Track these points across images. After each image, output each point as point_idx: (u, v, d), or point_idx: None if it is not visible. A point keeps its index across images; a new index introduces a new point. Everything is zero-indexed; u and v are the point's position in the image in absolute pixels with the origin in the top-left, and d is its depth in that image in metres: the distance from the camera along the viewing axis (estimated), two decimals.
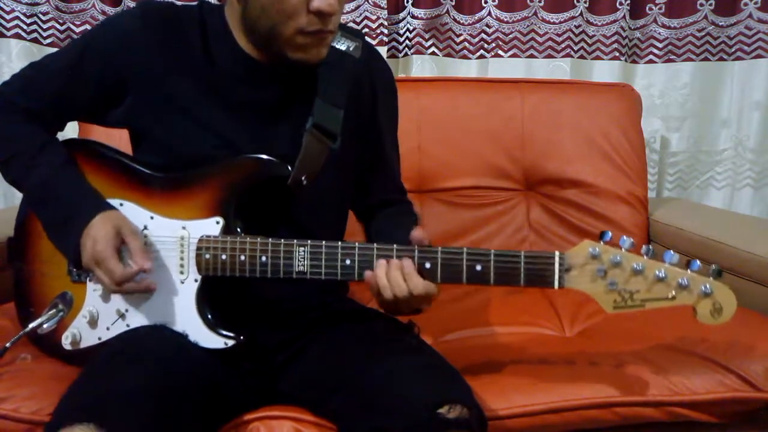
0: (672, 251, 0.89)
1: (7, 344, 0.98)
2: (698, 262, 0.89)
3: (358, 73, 1.05)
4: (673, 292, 0.89)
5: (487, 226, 1.67)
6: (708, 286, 0.88)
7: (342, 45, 1.04)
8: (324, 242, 0.94)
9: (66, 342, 1.01)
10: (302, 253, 0.94)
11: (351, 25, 1.85)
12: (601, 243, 0.90)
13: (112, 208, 0.98)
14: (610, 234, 0.90)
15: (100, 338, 1.00)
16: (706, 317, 0.90)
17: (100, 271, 0.94)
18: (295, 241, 0.94)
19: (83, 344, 1.01)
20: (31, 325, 0.99)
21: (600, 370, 1.13)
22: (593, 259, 0.90)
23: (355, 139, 1.07)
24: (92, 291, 1.01)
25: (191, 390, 0.90)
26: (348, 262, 0.94)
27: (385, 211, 1.16)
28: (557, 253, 0.91)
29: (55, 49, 1.79)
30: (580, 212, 1.67)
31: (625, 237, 0.90)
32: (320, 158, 1.00)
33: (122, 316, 0.99)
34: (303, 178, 0.99)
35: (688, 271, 0.89)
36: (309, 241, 0.94)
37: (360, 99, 1.07)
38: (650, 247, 0.90)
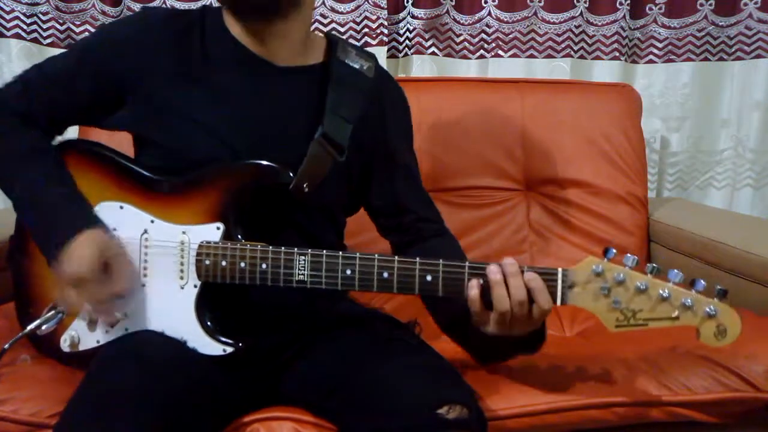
0: (676, 270, 0.88)
1: (6, 346, 0.98)
2: (702, 281, 0.88)
3: (369, 93, 1.06)
4: (677, 312, 0.88)
5: (487, 226, 1.67)
6: (712, 307, 0.88)
7: (355, 63, 1.06)
8: (325, 251, 0.94)
9: (65, 344, 1.01)
10: (302, 263, 0.94)
11: (351, 24, 1.85)
12: (605, 260, 0.89)
13: (97, 223, 0.96)
14: (614, 251, 0.89)
15: (98, 341, 1.00)
16: (709, 339, 0.89)
17: (77, 290, 0.91)
18: (295, 249, 0.94)
19: (82, 346, 1.01)
20: (29, 327, 0.98)
21: (600, 370, 1.13)
22: (597, 277, 0.89)
23: (362, 156, 1.07)
24: None
25: (191, 394, 0.90)
26: (349, 272, 0.93)
27: (438, 240, 1.13)
28: (560, 269, 0.90)
29: (54, 49, 1.82)
30: (580, 212, 1.66)
31: (629, 254, 0.89)
32: (324, 168, 1.01)
33: (121, 319, 0.99)
34: (305, 185, 0.98)
35: (693, 291, 0.88)
36: (309, 250, 0.94)
37: (369, 118, 1.07)
38: (654, 265, 0.89)
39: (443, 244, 1.13)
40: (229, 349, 0.95)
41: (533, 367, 1.14)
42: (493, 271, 0.89)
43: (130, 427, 0.80)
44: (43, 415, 0.98)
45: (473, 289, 0.90)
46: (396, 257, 0.93)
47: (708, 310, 0.88)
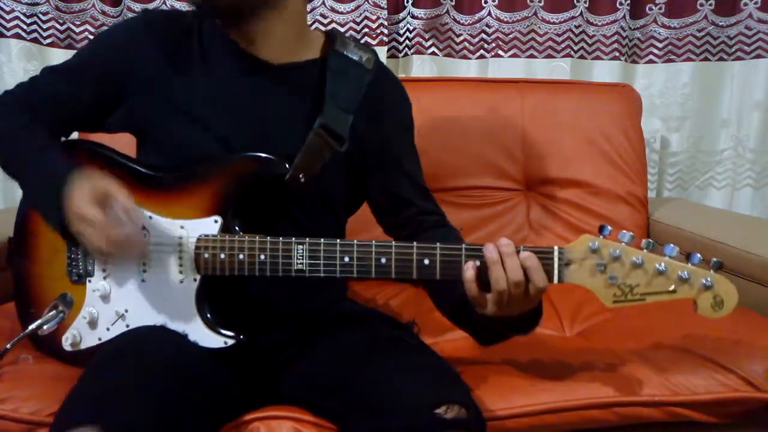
0: (672, 244, 0.88)
1: (8, 346, 0.98)
2: (698, 255, 0.88)
3: (368, 85, 1.06)
4: (674, 286, 0.88)
5: (487, 226, 1.67)
6: (709, 279, 0.88)
7: (354, 55, 1.06)
8: (322, 240, 0.94)
9: (66, 343, 1.01)
10: (301, 251, 0.94)
11: (351, 24, 1.85)
12: (601, 237, 0.89)
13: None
14: (609, 228, 0.89)
15: (100, 339, 1.00)
16: (706, 310, 0.89)
17: (86, 226, 0.88)
18: (293, 239, 0.94)
19: (83, 345, 1.01)
20: (31, 327, 0.99)
21: (600, 370, 1.13)
22: (593, 254, 0.89)
23: (361, 148, 1.07)
24: (92, 292, 1.01)
25: (192, 390, 0.90)
26: (347, 259, 0.93)
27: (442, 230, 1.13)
28: (556, 247, 0.90)
29: (54, 49, 1.82)
30: (580, 212, 1.67)
31: (624, 231, 0.89)
32: (322, 158, 1.01)
33: (122, 316, 0.99)
34: (300, 175, 0.99)
35: (689, 264, 0.89)
36: (307, 239, 0.94)
37: (368, 110, 1.07)
38: (650, 240, 0.89)
39: (444, 234, 1.12)
40: (230, 342, 0.96)
41: (533, 367, 1.14)
42: (489, 250, 0.89)
43: (129, 426, 0.80)
44: (43, 413, 0.98)
45: (469, 270, 0.90)
46: (393, 243, 0.93)
47: (704, 281, 0.88)
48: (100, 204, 0.88)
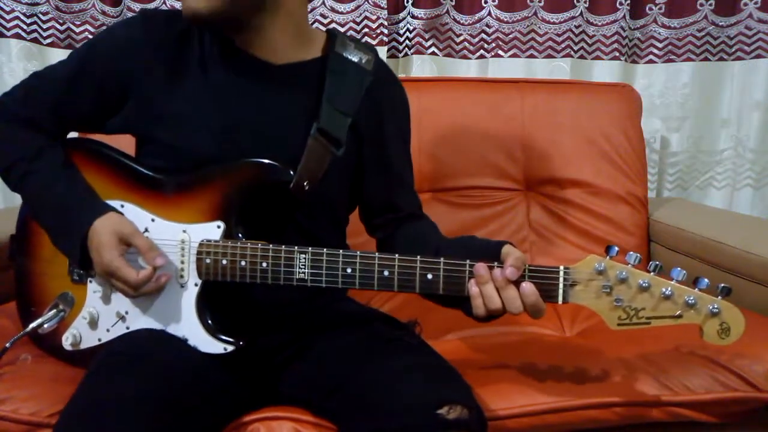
0: (679, 268, 0.88)
1: (7, 344, 0.99)
2: (706, 280, 0.88)
3: (368, 89, 1.06)
4: (680, 311, 0.88)
5: (487, 226, 1.67)
6: (716, 305, 0.87)
7: (354, 56, 1.05)
8: (325, 250, 0.93)
9: (66, 342, 1.01)
10: (303, 261, 0.94)
11: (351, 24, 1.85)
12: (607, 258, 0.89)
13: (108, 210, 0.97)
14: (616, 249, 0.89)
15: (100, 339, 1.00)
16: (713, 337, 0.89)
17: (116, 281, 0.94)
18: (296, 248, 0.94)
19: (83, 345, 1.01)
20: (31, 325, 0.99)
21: (600, 370, 1.13)
22: (599, 275, 0.89)
23: (360, 149, 1.07)
24: (92, 292, 1.01)
25: (190, 394, 0.90)
26: (349, 270, 0.93)
27: (419, 223, 1.14)
28: (562, 267, 0.90)
29: (54, 49, 1.82)
30: (580, 212, 1.67)
31: (631, 252, 0.89)
32: (323, 164, 1.00)
33: (122, 318, 0.99)
34: (305, 183, 0.98)
35: (696, 289, 0.88)
36: (310, 249, 0.94)
37: (366, 111, 1.06)
38: (657, 263, 0.88)
39: (420, 226, 1.13)
40: (230, 348, 0.96)
41: (533, 367, 1.15)
42: (480, 275, 0.89)
43: (130, 430, 0.80)
44: (43, 414, 0.98)
45: (474, 287, 0.90)
46: (397, 255, 0.93)
47: (711, 308, 0.88)
48: (123, 243, 0.94)
